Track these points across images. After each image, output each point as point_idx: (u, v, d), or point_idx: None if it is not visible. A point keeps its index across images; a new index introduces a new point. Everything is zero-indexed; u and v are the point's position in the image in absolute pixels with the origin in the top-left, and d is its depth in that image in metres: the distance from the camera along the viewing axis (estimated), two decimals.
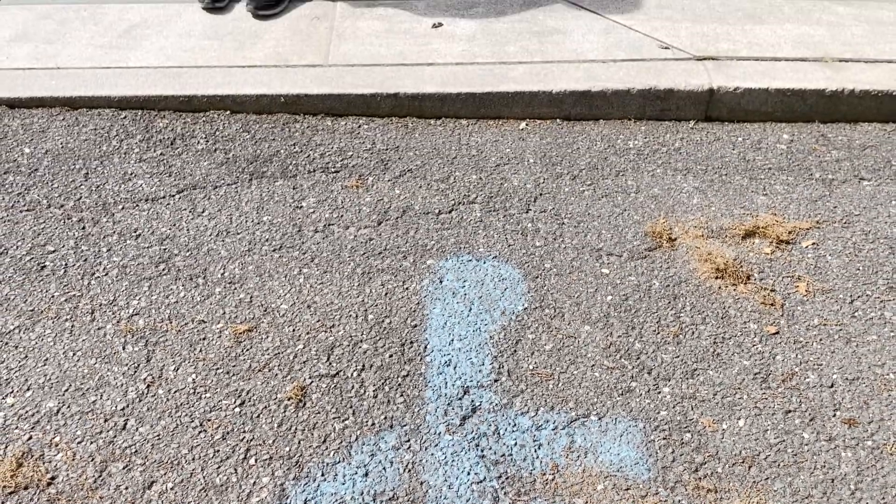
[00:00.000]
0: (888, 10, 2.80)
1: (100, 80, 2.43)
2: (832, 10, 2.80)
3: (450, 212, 2.15)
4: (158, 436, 1.54)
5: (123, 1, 2.78)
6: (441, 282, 1.93)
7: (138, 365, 1.68)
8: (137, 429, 1.56)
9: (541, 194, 2.21)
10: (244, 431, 1.56)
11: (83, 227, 2.02)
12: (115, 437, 1.54)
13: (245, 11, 2.76)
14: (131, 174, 2.19)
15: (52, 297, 1.83)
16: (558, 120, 2.52)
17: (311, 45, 2.63)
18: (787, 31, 2.68)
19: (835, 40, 2.64)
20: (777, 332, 1.80)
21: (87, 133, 2.31)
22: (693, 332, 1.80)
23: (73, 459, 1.49)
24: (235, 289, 1.88)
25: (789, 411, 1.63)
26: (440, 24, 2.75)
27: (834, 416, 1.62)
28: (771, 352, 1.76)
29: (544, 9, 2.82)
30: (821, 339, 1.79)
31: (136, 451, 1.51)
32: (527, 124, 2.50)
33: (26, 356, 1.69)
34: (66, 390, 1.63)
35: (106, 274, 1.90)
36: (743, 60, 2.55)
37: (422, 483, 1.48)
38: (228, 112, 2.45)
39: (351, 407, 1.62)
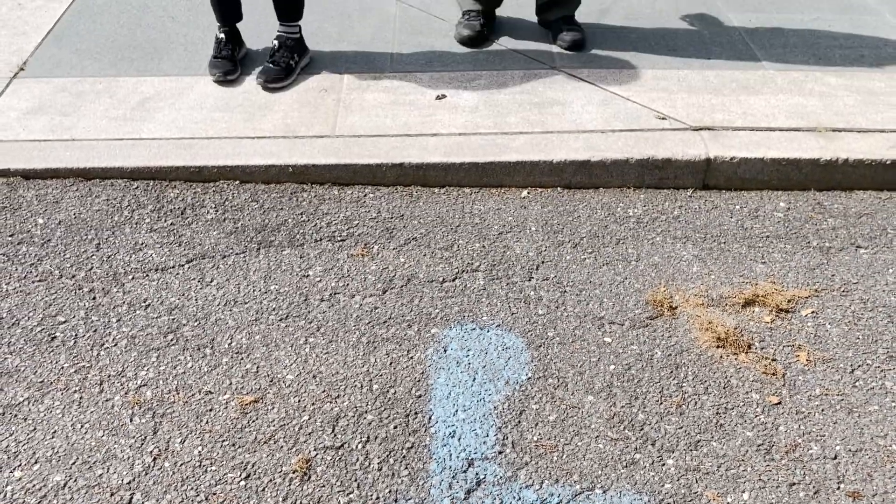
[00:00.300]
0: (878, 81, 2.88)
1: (113, 152, 2.50)
2: (824, 81, 2.89)
3: (453, 280, 2.19)
4: None
5: (138, 74, 2.88)
6: (445, 351, 1.95)
7: (145, 437, 1.70)
8: (143, 503, 1.56)
9: (543, 262, 2.25)
10: None
11: (94, 298, 2.06)
12: None
13: (255, 84, 2.85)
14: (142, 244, 2.24)
15: (62, 368, 1.86)
16: (559, 188, 2.57)
17: (318, 117, 2.71)
18: (780, 102, 2.76)
19: (827, 110, 2.71)
20: (779, 403, 1.82)
21: (99, 203, 2.37)
22: (696, 403, 1.82)
23: None
24: (242, 359, 1.91)
25: (793, 484, 1.63)
26: (444, 96, 2.83)
27: (838, 488, 1.63)
28: (774, 423, 1.77)
29: (544, 81, 2.91)
30: (823, 410, 1.80)
31: None
32: (528, 192, 2.55)
33: (35, 428, 1.71)
34: (74, 463, 1.64)
35: (115, 344, 1.93)
36: (738, 130, 2.62)
37: None
38: (238, 182, 2.51)
39: (356, 480, 1.63)
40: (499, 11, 3.31)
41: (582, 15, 3.28)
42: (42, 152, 2.48)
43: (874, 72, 2.95)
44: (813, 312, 2.07)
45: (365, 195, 2.51)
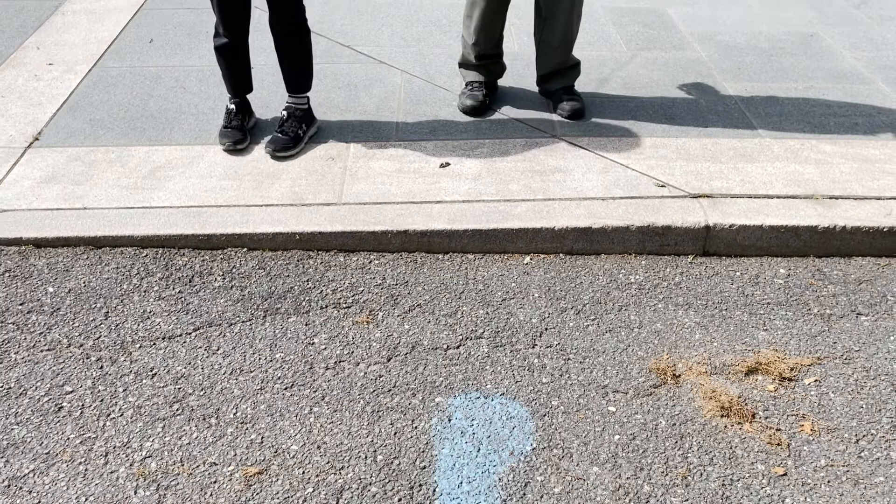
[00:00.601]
0: (873, 149, 2.95)
1: (124, 220, 2.55)
2: (820, 149, 2.95)
3: (458, 347, 2.20)
4: None
5: (150, 143, 2.96)
6: (450, 420, 1.96)
7: None
8: None
9: (546, 329, 2.27)
10: None
11: (101, 367, 2.07)
12: None
13: (264, 153, 2.92)
14: (150, 312, 2.27)
15: (68, 439, 1.86)
16: (561, 254, 2.61)
17: (325, 185, 2.77)
18: (777, 170, 2.82)
19: (824, 178, 2.77)
20: (785, 474, 1.81)
21: (109, 272, 2.41)
22: (701, 474, 1.81)
23: None
24: (247, 429, 1.91)
25: None
26: (447, 164, 2.90)
27: None
28: (780, 494, 1.76)
29: (546, 149, 2.98)
30: (829, 481, 1.79)
31: None
32: (531, 259, 2.59)
33: (39, 502, 1.71)
34: None
35: (121, 415, 1.94)
36: (737, 198, 2.67)
37: None
38: (245, 249, 2.55)
39: None
40: (501, 81, 3.41)
41: (581, 84, 3.38)
42: (54, 221, 2.54)
43: (869, 139, 3.02)
44: (816, 381, 2.07)
45: (370, 262, 2.54)
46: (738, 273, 2.51)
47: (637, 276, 2.50)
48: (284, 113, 2.98)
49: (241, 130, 2.95)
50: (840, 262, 2.55)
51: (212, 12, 2.80)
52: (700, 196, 2.68)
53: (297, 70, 2.94)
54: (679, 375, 2.10)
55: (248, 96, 3.05)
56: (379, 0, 4.40)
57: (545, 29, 3.16)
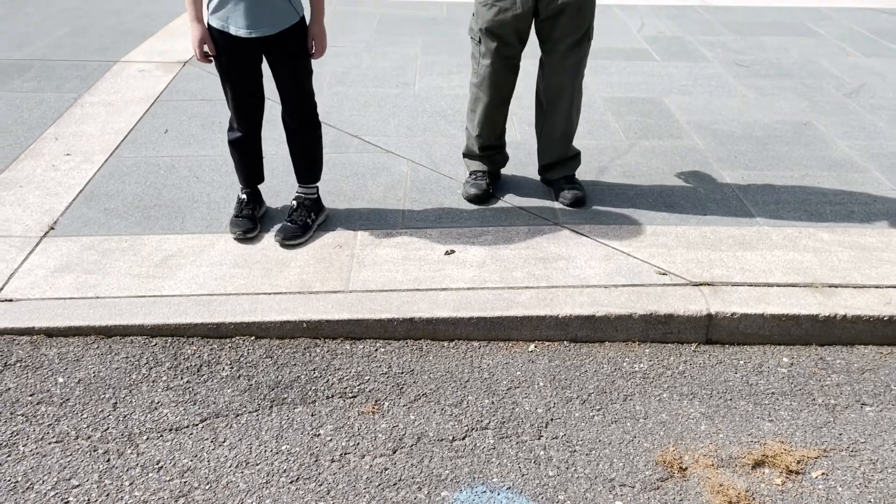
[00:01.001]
0: (870, 237, 3.01)
1: (135, 309, 2.59)
2: (817, 237, 3.01)
3: (463, 438, 2.20)
4: None
5: (162, 232, 3.03)
6: None
7: None
8: None
9: (552, 419, 2.28)
10: None
11: (108, 460, 2.08)
12: None
13: (273, 241, 2.98)
14: (158, 403, 2.29)
15: None
16: (566, 342, 2.63)
17: (332, 272, 2.82)
18: (776, 258, 2.87)
19: (823, 266, 2.82)
20: None
21: (118, 361, 2.44)
22: None
23: None
24: None
25: None
26: (452, 251, 2.96)
27: None
28: None
29: (548, 236, 3.04)
30: None
31: None
32: (535, 346, 2.61)
33: None
34: None
35: None
36: (738, 286, 2.71)
37: None
38: (253, 337, 2.59)
39: None
40: (503, 170, 3.52)
41: (582, 173, 3.47)
42: (66, 310, 2.58)
43: (865, 228, 3.08)
44: (823, 474, 2.06)
45: (376, 349, 2.57)
46: (741, 362, 2.53)
47: (641, 365, 2.52)
48: (294, 202, 3.07)
49: (251, 219, 3.03)
50: (842, 351, 2.57)
51: (225, 104, 2.92)
52: (701, 284, 2.73)
53: (308, 162, 3.04)
54: (686, 468, 2.09)
55: (259, 185, 3.14)
56: (386, 92, 4.57)
57: (546, 122, 3.28)
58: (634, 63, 5.18)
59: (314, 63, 2.89)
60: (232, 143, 2.97)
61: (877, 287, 2.70)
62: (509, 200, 3.33)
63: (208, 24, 2.69)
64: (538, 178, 3.48)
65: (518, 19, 2.96)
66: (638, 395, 2.38)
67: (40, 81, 4.55)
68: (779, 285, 2.71)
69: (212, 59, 2.75)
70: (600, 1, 6.40)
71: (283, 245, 2.96)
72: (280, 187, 3.37)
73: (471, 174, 3.40)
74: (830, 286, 2.70)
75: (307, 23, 2.78)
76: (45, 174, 3.44)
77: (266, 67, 2.82)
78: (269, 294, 2.70)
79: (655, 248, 2.96)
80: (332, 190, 3.37)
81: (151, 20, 5.96)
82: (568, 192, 3.28)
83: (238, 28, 2.63)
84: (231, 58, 2.73)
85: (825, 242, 2.98)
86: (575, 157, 3.39)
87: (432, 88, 4.65)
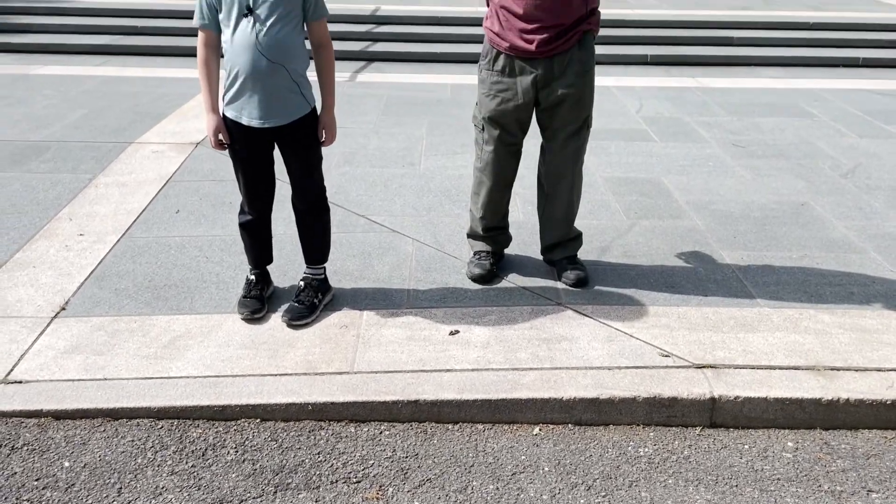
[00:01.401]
0: (870, 318, 3.04)
1: (142, 391, 2.62)
2: (818, 319, 3.05)
3: None
4: None
5: (171, 313, 3.08)
6: None
7: None
8: None
9: None
10: None
11: None
12: None
13: (280, 321, 3.03)
14: (162, 488, 2.29)
15: None
16: (570, 425, 2.64)
17: (338, 353, 2.85)
18: (778, 340, 2.90)
19: (824, 348, 2.84)
20: None
21: (124, 445, 2.45)
22: None
23: None
24: None
25: None
26: (457, 332, 2.99)
27: None
28: None
29: (552, 317, 3.08)
30: None
31: None
32: (540, 429, 2.62)
33: None
34: None
35: None
36: (740, 369, 2.73)
37: None
38: (259, 420, 2.60)
39: None
40: (507, 250, 3.58)
41: (584, 252, 3.54)
42: (74, 392, 2.61)
43: (865, 310, 3.12)
44: None
45: (381, 432, 2.57)
46: (746, 446, 2.52)
47: (646, 449, 2.51)
48: (302, 283, 3.13)
49: (259, 300, 3.08)
50: (847, 435, 2.57)
51: (236, 184, 3.01)
52: (704, 367, 2.75)
53: (317, 245, 3.12)
54: None
55: (268, 266, 3.20)
56: (393, 172, 4.69)
57: (548, 205, 3.36)
58: (634, 143, 5.32)
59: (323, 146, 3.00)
60: (243, 225, 3.05)
61: (878, 370, 2.71)
62: (513, 280, 3.38)
63: (223, 114, 2.81)
64: (541, 257, 3.54)
65: (519, 109, 3.09)
66: (643, 480, 2.37)
67: (57, 163, 4.69)
68: (781, 368, 2.73)
69: (226, 146, 2.86)
70: (600, 82, 6.61)
71: (289, 325, 3.00)
72: (287, 266, 3.43)
73: (475, 254, 3.47)
74: (832, 369, 2.72)
75: (318, 112, 2.90)
76: (59, 254, 3.52)
77: (277, 153, 2.93)
78: (275, 375, 2.73)
79: (658, 329, 2.99)
80: (339, 269, 3.43)
81: (166, 102, 6.17)
82: (570, 272, 3.33)
83: (251, 119, 2.75)
84: (244, 146, 2.84)
85: (826, 324, 3.01)
86: (577, 237, 3.46)
87: (437, 168, 4.77)
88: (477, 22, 8.78)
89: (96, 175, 4.50)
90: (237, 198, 3.08)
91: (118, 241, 3.67)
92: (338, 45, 8.73)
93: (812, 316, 3.08)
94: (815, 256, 3.60)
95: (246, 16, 2.60)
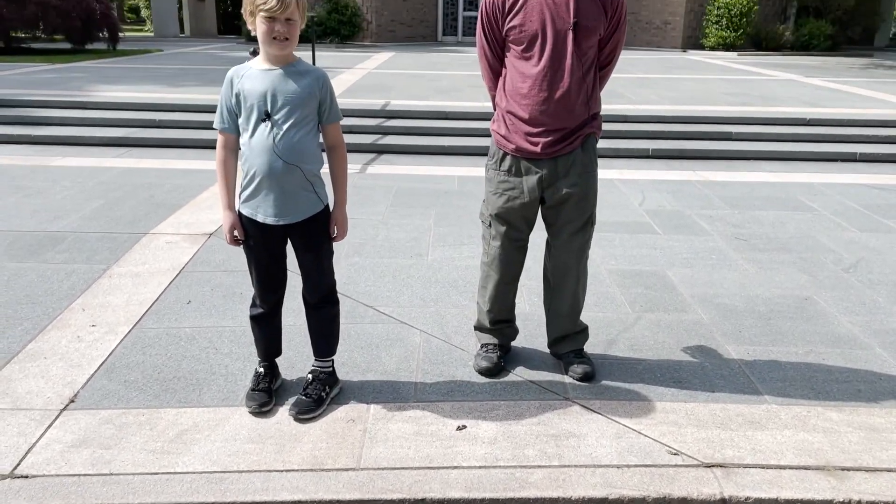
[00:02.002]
0: (878, 417, 3.03)
1: (147, 488, 2.60)
2: (826, 417, 3.04)
3: None
4: None
5: (179, 405, 3.09)
6: None
7: None
8: None
9: None
10: None
11: None
12: None
13: (287, 415, 3.03)
14: None
15: None
16: None
17: (345, 448, 2.84)
18: (786, 438, 2.88)
19: (833, 447, 2.82)
20: None
21: None
22: None
23: None
24: None
25: None
26: (464, 427, 2.99)
27: None
28: None
29: (559, 412, 3.08)
30: None
31: None
32: None
33: None
34: None
35: None
36: (749, 468, 2.71)
37: None
38: None
39: None
40: (514, 342, 3.61)
41: (590, 346, 3.56)
42: (80, 488, 2.59)
43: (873, 407, 3.11)
44: None
45: None
46: None
47: None
48: (310, 375, 3.15)
49: (267, 393, 3.09)
50: None
51: (246, 275, 3.07)
52: (713, 465, 2.72)
53: (325, 338, 3.15)
54: None
55: (276, 358, 3.23)
56: (401, 262, 4.77)
57: (554, 299, 3.41)
58: (637, 236, 5.42)
59: None
60: (254, 318, 3.10)
61: (889, 471, 2.69)
62: (520, 374, 3.39)
63: (239, 211, 2.91)
64: (548, 350, 3.57)
65: (525, 207, 3.19)
66: None
67: (72, 253, 4.79)
68: (791, 468, 2.71)
69: (241, 242, 2.94)
70: (603, 175, 6.78)
71: (296, 419, 3.01)
72: (296, 358, 3.46)
73: (482, 347, 3.50)
74: (843, 469, 2.69)
75: (330, 209, 2.99)
76: (70, 345, 3.56)
77: (289, 248, 3.01)
78: (281, 471, 2.71)
79: (666, 426, 2.98)
80: (347, 361, 3.45)
81: (180, 193, 6.35)
82: (577, 366, 3.35)
83: (266, 216, 2.84)
84: (258, 241, 2.92)
85: (834, 422, 3.00)
86: (583, 331, 3.49)
87: (445, 259, 4.85)
88: (481, 116, 9.09)
89: (110, 265, 4.59)
90: (248, 289, 3.14)
91: (129, 331, 3.71)
92: (349, 139, 9.00)
93: (820, 413, 3.07)
94: (820, 352, 3.61)
95: (264, 120, 2.74)
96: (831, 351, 3.62)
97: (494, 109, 3.27)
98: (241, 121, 2.80)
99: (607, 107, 9.37)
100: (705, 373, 3.40)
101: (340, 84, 11.93)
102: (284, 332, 3.27)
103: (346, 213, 3.02)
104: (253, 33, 2.75)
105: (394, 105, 9.71)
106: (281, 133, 2.74)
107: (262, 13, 2.63)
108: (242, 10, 2.76)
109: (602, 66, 3.17)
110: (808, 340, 3.73)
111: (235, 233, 2.91)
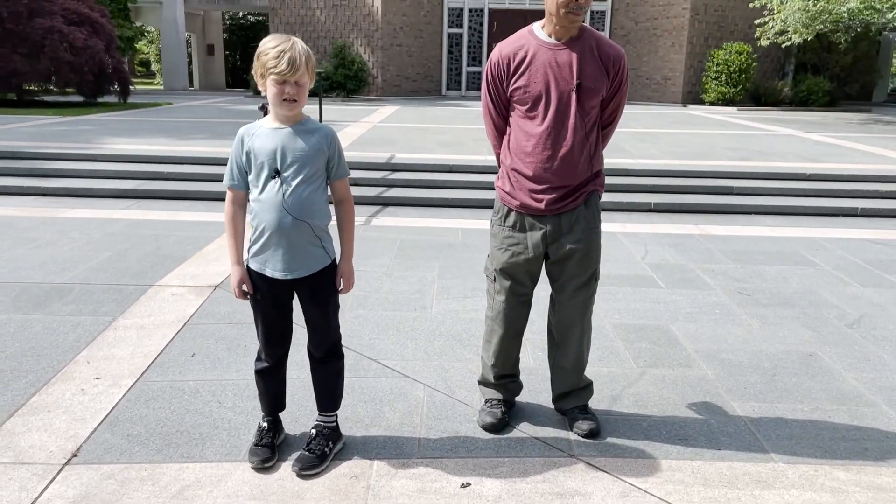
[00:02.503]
0: (886, 476, 3.00)
1: None
2: (833, 476, 3.01)
3: None
4: None
5: (182, 460, 3.07)
6: None
7: None
8: None
9: None
10: None
11: None
12: None
13: (290, 471, 3.01)
14: None
15: None
16: None
17: None
18: (794, 498, 2.85)
19: None
20: None
21: None
22: None
23: None
24: None
25: None
26: (468, 484, 2.96)
27: None
28: None
29: (564, 469, 3.05)
30: None
31: None
32: None
33: None
34: None
35: None
36: None
37: None
38: None
39: None
40: (518, 397, 3.60)
41: (595, 401, 3.55)
42: None
43: (881, 466, 3.08)
44: None
45: None
46: None
47: None
48: (313, 431, 3.14)
49: (270, 448, 3.08)
50: None
51: (251, 328, 3.09)
52: None
53: (330, 392, 3.15)
54: None
55: (280, 412, 3.23)
56: (405, 315, 4.79)
57: (558, 354, 3.42)
58: (640, 290, 5.44)
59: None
60: (259, 372, 3.11)
61: None
62: (524, 430, 3.37)
63: (247, 265, 2.94)
64: (552, 405, 3.55)
65: (530, 262, 3.22)
66: None
67: (79, 305, 4.82)
68: None
69: (248, 296, 2.97)
70: (606, 228, 6.84)
71: (299, 475, 2.99)
72: (299, 413, 3.45)
73: (486, 402, 3.49)
74: None
75: (337, 263, 3.03)
76: (74, 398, 3.56)
77: (295, 301, 3.03)
78: None
79: (672, 484, 2.95)
80: (350, 416, 3.44)
81: (187, 245, 6.41)
82: (583, 422, 3.33)
83: (275, 271, 2.88)
84: (265, 295, 2.95)
85: (842, 482, 2.97)
86: (587, 386, 3.49)
87: (448, 312, 4.87)
88: (485, 169, 9.21)
89: (116, 317, 4.61)
90: (252, 341, 3.16)
91: (133, 384, 3.71)
92: (354, 191, 9.11)
93: (827, 472, 3.04)
94: (826, 409, 3.59)
95: (274, 177, 2.80)
96: (837, 408, 3.60)
97: (499, 166, 3.34)
98: (251, 178, 2.86)
99: (609, 160, 9.51)
100: (711, 430, 3.38)
101: (346, 137, 12.13)
102: (288, 386, 3.27)
103: (352, 266, 3.06)
104: (263, 93, 2.84)
105: (398, 158, 9.85)
106: (290, 189, 2.80)
107: (272, 76, 2.72)
108: (253, 71, 2.85)
109: (605, 125, 3.25)
110: (814, 397, 3.72)
111: (244, 286, 2.94)
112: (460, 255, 6.30)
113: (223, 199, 2.96)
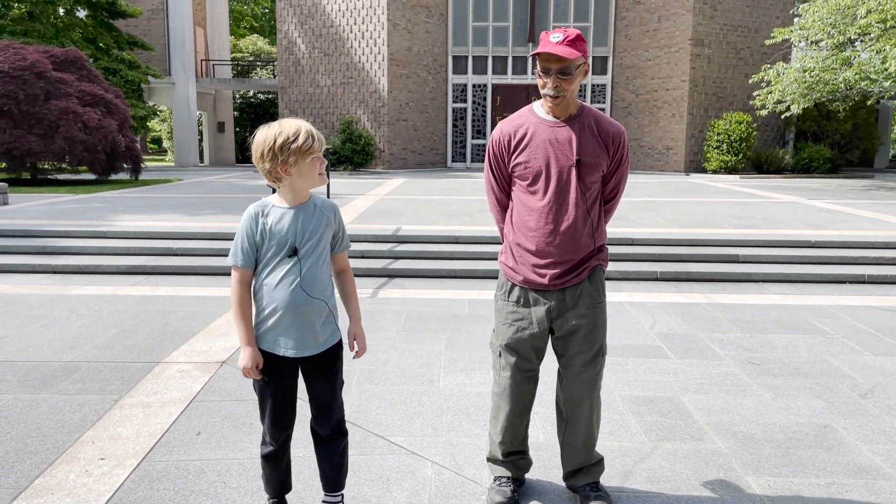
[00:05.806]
0: None
1: None
2: None
3: None
4: None
5: None
6: None
7: None
8: None
9: None
10: None
11: None
12: None
13: None
14: None
15: None
16: None
17: None
18: None
19: None
20: None
21: None
22: None
23: None
24: None
25: None
26: None
27: None
28: None
29: None
30: None
31: None
32: None
33: None
34: None
35: None
36: None
37: None
38: None
39: None
40: (528, 474, 3.53)
41: (606, 477, 3.48)
42: None
43: None
44: None
45: None
46: None
47: None
48: None
49: None
50: None
51: (257, 405, 3.05)
52: None
53: (335, 471, 3.11)
54: None
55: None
56: (412, 389, 4.75)
57: (567, 430, 3.37)
58: (650, 360, 5.40)
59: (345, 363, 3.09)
60: (265, 457, 3.06)
61: None
62: None
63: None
64: (563, 483, 3.48)
65: (535, 337, 3.22)
66: None
67: (85, 384, 4.81)
68: None
69: (261, 376, 2.94)
70: (612, 298, 6.84)
71: None
72: (305, 492, 3.39)
73: (495, 479, 3.42)
74: None
75: (342, 341, 3.04)
76: (78, 480, 3.51)
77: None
78: None
79: None
80: (357, 496, 3.38)
81: (194, 320, 6.42)
82: (594, 501, 3.26)
83: (287, 349, 2.88)
84: (274, 376, 2.94)
85: None
86: (598, 463, 3.42)
87: (456, 385, 4.83)
88: (490, 240, 9.28)
89: (122, 396, 4.59)
90: (257, 419, 3.12)
91: (138, 464, 3.67)
92: (361, 263, 9.20)
93: None
94: (843, 483, 3.51)
95: (291, 256, 2.83)
96: (854, 482, 3.51)
97: (502, 241, 3.38)
98: (265, 257, 2.86)
99: (614, 229, 9.58)
100: None
101: (353, 210, 12.28)
102: (293, 465, 3.22)
103: (363, 328, 3.08)
104: (280, 185, 2.84)
105: (405, 230, 9.94)
106: (306, 267, 2.84)
107: (310, 157, 2.79)
108: (269, 165, 2.79)
109: (607, 200, 3.30)
110: (830, 471, 3.63)
111: (258, 366, 2.90)
112: (467, 327, 6.28)
113: (230, 274, 2.97)
